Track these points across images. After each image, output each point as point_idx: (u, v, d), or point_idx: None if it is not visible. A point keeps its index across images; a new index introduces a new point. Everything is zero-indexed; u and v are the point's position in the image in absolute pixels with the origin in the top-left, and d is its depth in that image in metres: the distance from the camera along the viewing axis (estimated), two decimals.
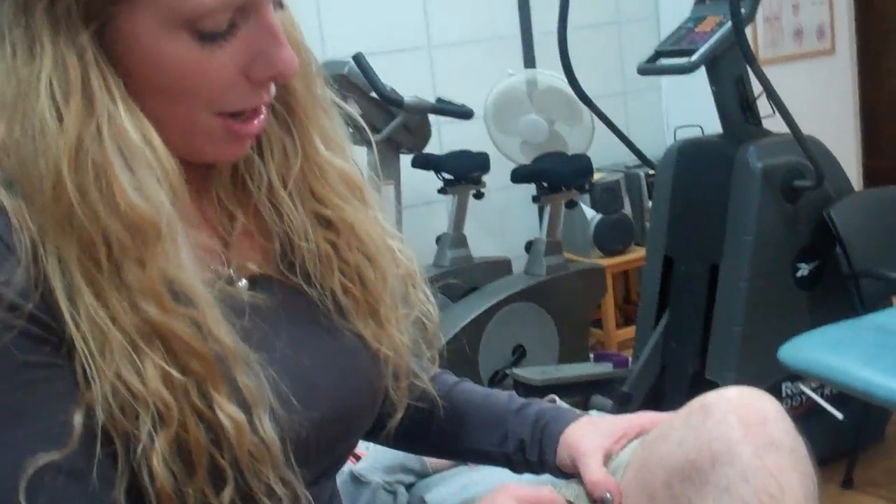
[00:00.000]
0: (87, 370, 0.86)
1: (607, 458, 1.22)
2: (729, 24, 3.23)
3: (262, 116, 0.99)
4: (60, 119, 0.85)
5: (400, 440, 1.30)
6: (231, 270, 1.04)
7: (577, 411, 1.34)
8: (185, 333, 0.88)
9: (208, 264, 1.02)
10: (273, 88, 1.00)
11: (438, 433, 1.34)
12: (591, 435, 1.25)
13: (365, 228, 1.11)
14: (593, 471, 1.20)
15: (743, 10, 3.20)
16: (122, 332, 0.85)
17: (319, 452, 1.06)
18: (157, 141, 0.90)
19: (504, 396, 1.35)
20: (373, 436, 1.29)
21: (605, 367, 3.99)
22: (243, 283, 1.04)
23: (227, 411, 0.90)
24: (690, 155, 3.61)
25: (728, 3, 3.17)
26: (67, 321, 0.85)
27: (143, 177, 0.87)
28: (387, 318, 1.12)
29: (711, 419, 1.07)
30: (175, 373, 0.88)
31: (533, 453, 1.28)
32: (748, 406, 1.07)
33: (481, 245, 4.75)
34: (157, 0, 0.87)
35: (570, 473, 1.26)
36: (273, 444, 0.95)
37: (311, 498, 1.01)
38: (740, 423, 1.05)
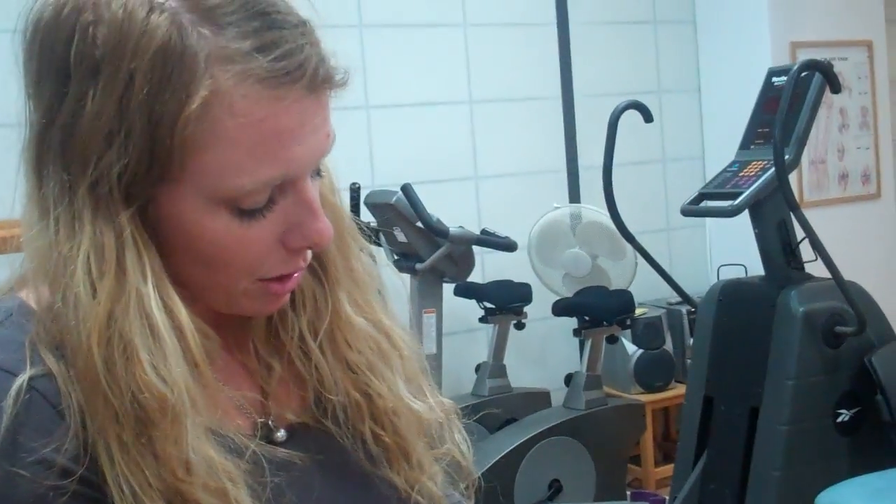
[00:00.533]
0: None
1: None
2: (773, 169, 3.27)
3: (297, 275, 1.02)
4: (94, 294, 0.89)
5: None
6: (270, 421, 1.07)
7: None
8: None
9: (247, 417, 1.05)
10: (309, 254, 1.03)
11: None
12: None
13: (392, 388, 1.13)
14: None
15: (787, 157, 3.25)
16: (153, 499, 0.87)
17: None
18: (183, 318, 0.93)
19: None
20: None
21: None
22: (282, 433, 1.06)
23: None
24: (732, 296, 3.62)
25: (772, 148, 3.22)
26: (110, 484, 0.88)
27: (163, 355, 0.90)
28: (419, 464, 1.13)
29: None
30: None
31: None
32: None
33: (520, 376, 4.76)
34: (198, 182, 0.90)
35: None
36: None
37: None
38: None
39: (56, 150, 0.90)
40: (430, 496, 1.13)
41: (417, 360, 1.17)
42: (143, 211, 0.92)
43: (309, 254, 1.02)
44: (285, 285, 1.01)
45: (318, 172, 1.01)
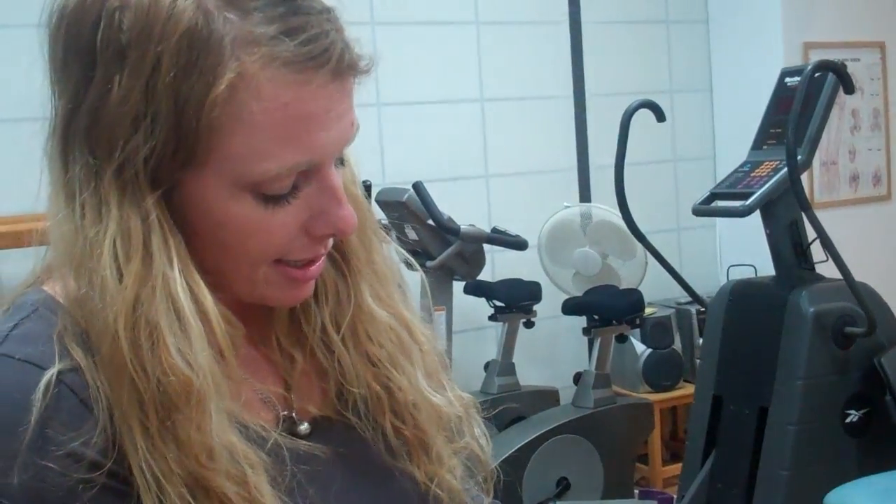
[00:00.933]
0: None
1: None
2: (785, 170, 3.28)
3: (319, 262, 1.03)
4: (121, 279, 0.89)
5: None
6: (293, 414, 1.07)
7: None
8: (230, 491, 0.90)
9: (271, 409, 1.05)
10: (330, 241, 1.03)
11: None
12: None
13: (412, 381, 1.13)
14: None
15: (799, 157, 3.25)
16: (175, 486, 0.88)
17: None
18: (209, 304, 0.93)
19: None
20: None
21: None
22: (305, 426, 1.07)
23: None
24: (742, 296, 3.63)
25: (784, 149, 3.22)
26: (135, 472, 0.88)
27: (188, 340, 0.90)
28: (438, 457, 1.13)
29: None
30: None
31: None
32: None
33: (529, 374, 4.77)
34: (224, 167, 0.91)
35: None
36: None
37: None
38: None
39: (82, 134, 0.90)
40: (449, 489, 1.13)
41: (437, 355, 1.18)
42: (168, 196, 0.92)
43: (330, 241, 1.03)
44: (306, 272, 1.01)
45: (341, 161, 1.01)
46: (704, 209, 3.64)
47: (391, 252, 1.19)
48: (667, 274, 3.94)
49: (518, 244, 4.36)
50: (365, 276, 1.12)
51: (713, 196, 3.62)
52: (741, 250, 4.98)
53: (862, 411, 3.35)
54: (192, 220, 0.94)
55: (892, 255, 5.43)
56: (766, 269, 3.76)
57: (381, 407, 1.11)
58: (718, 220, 5.35)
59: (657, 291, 4.91)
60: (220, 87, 0.87)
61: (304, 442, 1.04)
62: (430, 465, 1.12)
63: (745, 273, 4.43)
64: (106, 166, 0.89)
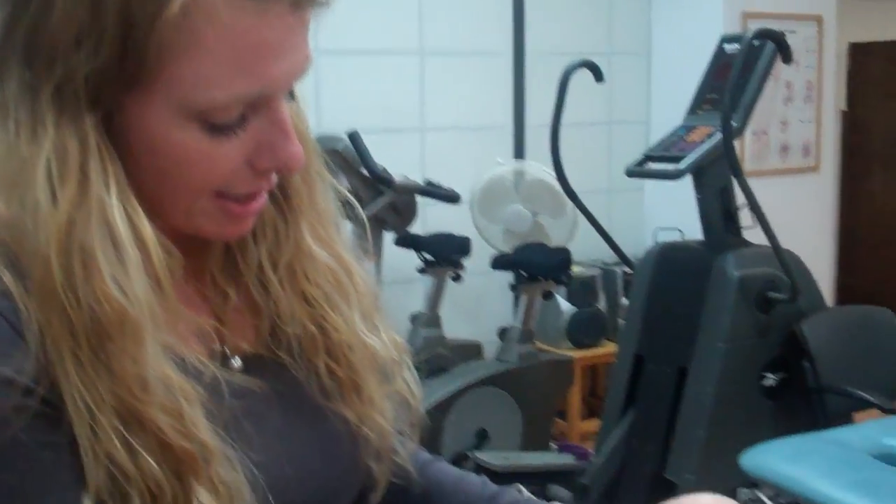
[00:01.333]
0: (85, 452, 0.86)
1: None
2: (719, 135, 3.32)
3: (260, 199, 1.00)
4: (55, 202, 0.85)
5: None
6: (226, 348, 1.06)
7: None
8: (164, 424, 0.88)
9: (203, 343, 1.03)
10: (274, 176, 1.01)
11: None
12: None
13: (348, 322, 1.13)
14: None
15: (734, 124, 3.29)
16: (108, 416, 0.85)
17: None
18: (147, 232, 0.90)
19: (477, 482, 1.34)
20: None
21: (567, 458, 4.02)
22: (237, 361, 1.06)
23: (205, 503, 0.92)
24: (669, 258, 3.68)
25: (720, 115, 3.26)
26: (67, 400, 0.85)
27: (124, 268, 0.87)
28: (370, 399, 1.13)
29: None
30: (162, 459, 0.88)
31: None
32: None
33: (455, 327, 4.79)
34: (170, 92, 0.87)
35: None
36: None
37: None
38: None
39: (20, 49, 0.86)
40: (379, 431, 1.13)
41: (372, 296, 1.17)
42: (108, 120, 0.89)
43: (274, 176, 1.00)
44: (246, 208, 0.99)
45: (291, 95, 0.99)
46: (637, 171, 3.67)
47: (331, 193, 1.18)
48: (595, 234, 3.98)
49: (450, 197, 4.38)
50: (306, 216, 1.09)
51: (647, 158, 3.66)
52: (668, 214, 5.04)
53: (779, 375, 3.43)
54: (132, 146, 0.90)
55: (818, 225, 5.54)
56: (692, 233, 3.81)
57: (315, 347, 1.09)
58: (647, 183, 5.42)
59: (585, 251, 4.95)
60: (173, 9, 0.82)
61: (241, 375, 1.02)
62: (362, 407, 1.12)
63: (672, 237, 4.49)
64: (44, 83, 0.85)
